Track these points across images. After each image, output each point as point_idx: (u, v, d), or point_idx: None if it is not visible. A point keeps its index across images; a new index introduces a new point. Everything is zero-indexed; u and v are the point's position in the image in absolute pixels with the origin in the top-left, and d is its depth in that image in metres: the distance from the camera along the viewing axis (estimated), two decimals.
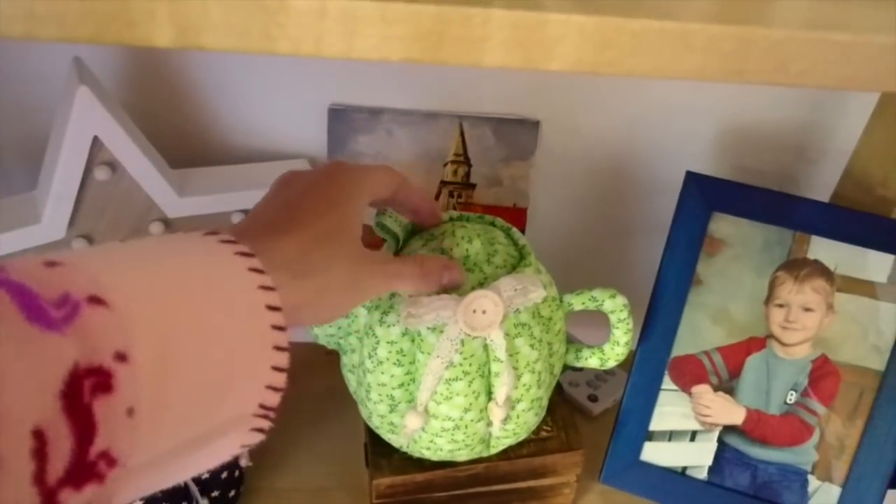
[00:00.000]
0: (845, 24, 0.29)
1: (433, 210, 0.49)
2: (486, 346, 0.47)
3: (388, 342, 0.47)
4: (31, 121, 0.60)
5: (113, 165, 0.51)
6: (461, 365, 0.46)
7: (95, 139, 0.49)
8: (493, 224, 0.53)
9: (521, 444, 0.53)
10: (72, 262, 0.26)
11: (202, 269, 0.30)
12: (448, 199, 0.65)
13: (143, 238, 0.31)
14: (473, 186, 0.65)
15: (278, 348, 0.31)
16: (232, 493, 0.54)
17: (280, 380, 0.31)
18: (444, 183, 0.64)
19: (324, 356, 0.70)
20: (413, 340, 0.47)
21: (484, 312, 0.46)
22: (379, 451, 0.53)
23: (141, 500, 0.46)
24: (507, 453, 0.53)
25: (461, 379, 0.46)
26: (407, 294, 0.46)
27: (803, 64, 0.28)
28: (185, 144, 0.61)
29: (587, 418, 0.66)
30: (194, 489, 0.50)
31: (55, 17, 0.25)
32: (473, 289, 0.46)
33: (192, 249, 0.31)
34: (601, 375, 0.69)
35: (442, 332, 0.46)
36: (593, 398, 0.67)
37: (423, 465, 0.52)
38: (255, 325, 0.30)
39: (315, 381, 0.67)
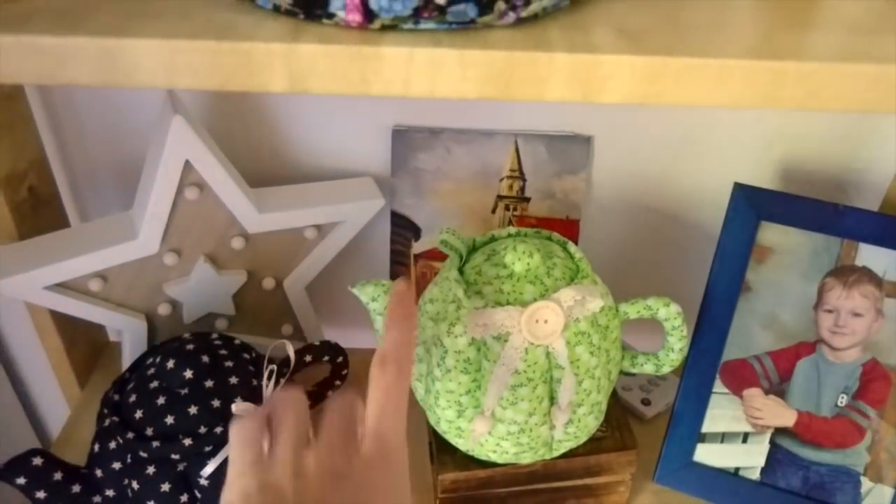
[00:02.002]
0: (869, 55, 0.32)
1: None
2: (548, 354, 0.50)
3: (455, 352, 0.50)
4: (123, 146, 0.65)
5: (201, 186, 0.56)
6: (525, 372, 0.49)
7: (187, 163, 0.54)
8: (549, 239, 0.56)
9: (576, 446, 0.56)
10: None
11: None
12: (504, 212, 0.68)
13: None
14: (528, 200, 0.68)
15: None
16: None
17: None
18: (500, 197, 0.68)
19: None
20: (479, 349, 0.50)
21: (546, 322, 0.49)
22: (444, 449, 0.57)
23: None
24: (565, 453, 0.56)
25: (525, 385, 0.50)
26: (473, 306, 0.50)
27: (832, 91, 0.31)
28: (261, 165, 0.65)
29: (640, 421, 0.69)
30: None
31: (191, 69, 0.29)
32: (535, 300, 0.50)
33: None
34: (653, 380, 0.71)
35: (507, 341, 0.49)
36: (646, 402, 0.69)
37: (484, 462, 0.56)
38: None
39: None
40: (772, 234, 0.57)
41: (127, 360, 0.62)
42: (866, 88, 0.30)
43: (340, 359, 0.61)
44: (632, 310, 0.54)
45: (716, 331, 0.59)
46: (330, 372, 0.63)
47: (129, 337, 0.61)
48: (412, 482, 0.62)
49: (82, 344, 0.70)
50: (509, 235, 0.56)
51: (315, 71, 0.30)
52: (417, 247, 0.69)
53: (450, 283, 0.52)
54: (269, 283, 0.64)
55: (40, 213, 0.61)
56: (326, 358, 0.60)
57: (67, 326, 0.66)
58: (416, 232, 0.69)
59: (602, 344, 0.52)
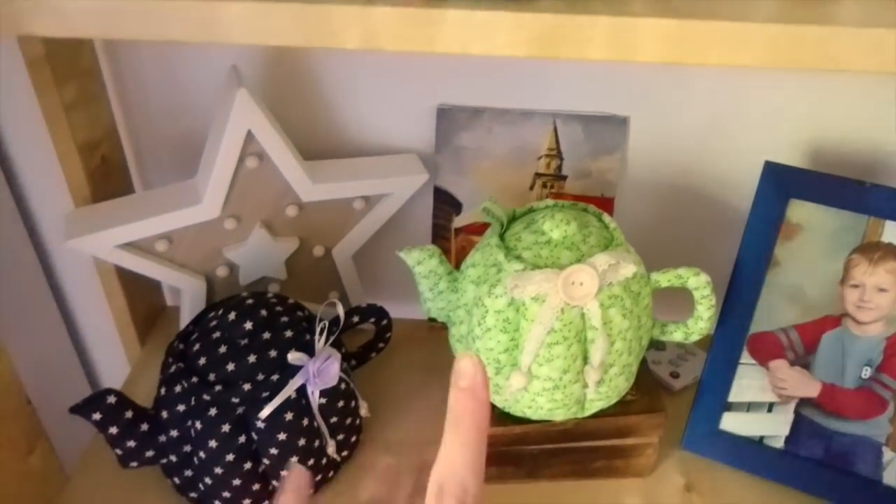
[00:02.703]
0: (886, 20, 0.34)
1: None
2: (582, 315, 0.53)
3: (495, 311, 0.54)
4: (184, 121, 0.70)
5: (260, 156, 0.60)
6: (560, 331, 0.53)
7: (249, 133, 0.58)
8: (585, 210, 0.60)
9: (608, 406, 0.59)
10: None
11: None
12: (541, 189, 0.72)
13: None
14: (564, 178, 0.71)
15: None
16: (353, 438, 0.62)
17: None
18: (537, 175, 0.71)
19: (425, 331, 0.78)
20: (518, 310, 0.54)
21: (581, 284, 0.52)
22: None
23: (282, 433, 0.54)
24: (596, 413, 0.59)
25: (560, 343, 0.53)
26: (513, 269, 0.53)
27: (848, 54, 0.34)
28: (314, 139, 0.70)
29: (669, 393, 0.71)
30: (325, 430, 0.58)
31: (278, 29, 0.33)
32: (572, 264, 0.53)
33: None
34: (682, 355, 0.74)
35: (544, 301, 0.52)
36: (675, 375, 0.72)
37: (519, 419, 0.59)
38: None
39: (418, 351, 0.75)
40: (800, 211, 0.60)
41: (186, 318, 0.67)
42: (881, 51, 0.33)
43: (385, 322, 0.65)
44: (663, 278, 0.57)
45: (744, 304, 0.62)
46: (374, 335, 0.67)
47: (188, 296, 0.66)
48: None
49: (143, 307, 0.74)
50: (547, 206, 0.60)
51: (386, 31, 0.34)
52: (458, 221, 0.73)
53: (491, 249, 0.56)
54: (318, 250, 0.69)
55: (110, 180, 0.66)
56: (372, 320, 0.64)
57: (131, 289, 0.71)
58: (457, 207, 0.72)
59: (634, 309, 0.55)
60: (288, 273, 0.69)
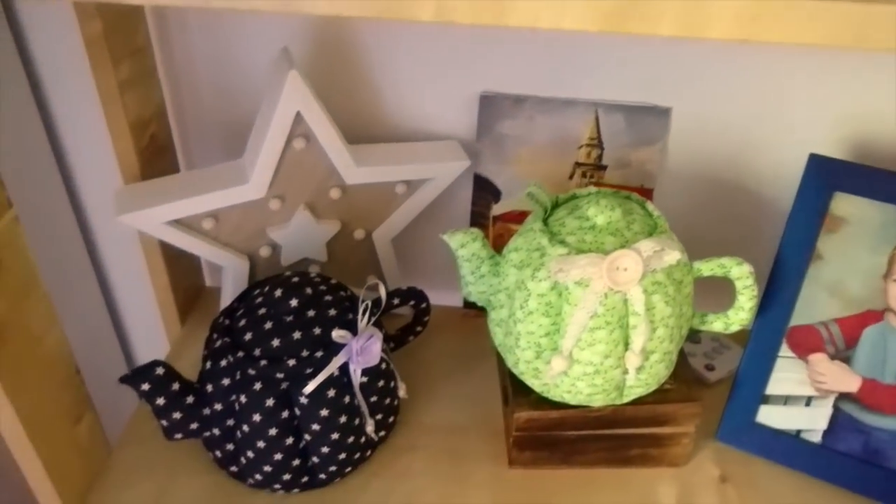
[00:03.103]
0: None
1: None
2: (625, 301, 0.53)
3: (538, 295, 0.54)
4: (230, 104, 0.71)
5: (308, 137, 0.61)
6: (603, 315, 0.53)
7: (298, 114, 0.59)
8: (628, 198, 0.60)
9: (647, 393, 0.59)
10: None
11: None
12: (581, 179, 0.72)
13: None
14: (604, 168, 0.71)
15: None
16: (391, 419, 0.63)
17: None
18: (577, 164, 0.71)
19: (459, 318, 0.79)
20: (560, 294, 0.54)
21: (626, 270, 0.52)
22: (519, 391, 0.61)
23: (324, 410, 0.55)
24: (633, 400, 0.59)
25: (603, 328, 0.53)
26: (557, 253, 0.54)
27: None
28: (358, 124, 0.70)
29: (703, 386, 0.71)
30: (365, 408, 0.59)
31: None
32: (616, 250, 0.53)
33: None
34: (718, 348, 0.74)
35: (587, 286, 0.53)
36: (710, 367, 0.72)
37: (557, 404, 0.60)
38: None
39: (452, 337, 0.76)
40: (844, 204, 0.59)
41: (227, 296, 0.68)
42: None
43: (424, 305, 0.66)
44: (705, 267, 0.57)
45: (784, 296, 0.62)
46: (412, 318, 0.68)
47: (231, 274, 0.67)
48: (481, 428, 0.66)
49: (183, 286, 0.76)
50: (590, 193, 0.60)
51: (460, 3, 0.34)
52: (496, 209, 0.73)
53: (534, 233, 0.56)
54: (359, 233, 0.69)
55: (158, 159, 0.68)
56: (412, 303, 0.65)
57: (173, 268, 0.72)
58: (496, 195, 0.73)
59: (676, 296, 0.55)
60: (328, 255, 0.70)
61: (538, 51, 0.67)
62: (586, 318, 0.53)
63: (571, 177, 0.72)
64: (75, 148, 0.75)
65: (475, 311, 0.79)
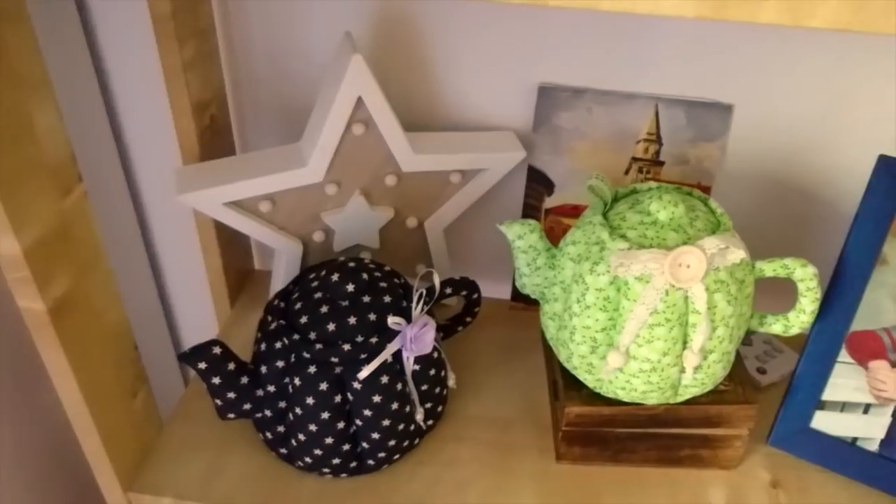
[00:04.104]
0: None
1: None
2: (686, 299, 0.53)
3: (596, 289, 0.54)
4: (285, 86, 0.71)
5: (367, 123, 0.61)
6: (664, 312, 0.52)
7: (359, 99, 0.59)
8: (690, 194, 0.59)
9: (701, 393, 0.58)
10: None
11: None
12: (637, 174, 0.71)
13: None
14: (662, 164, 0.70)
15: None
16: (440, 408, 0.63)
17: None
18: (634, 159, 0.70)
19: (506, 310, 0.78)
20: (619, 289, 0.53)
21: (688, 267, 0.52)
22: (571, 386, 0.60)
23: (377, 396, 0.55)
24: (687, 400, 0.59)
25: (662, 325, 0.52)
26: (617, 247, 0.53)
27: None
28: (414, 112, 0.70)
29: (754, 389, 0.70)
30: (415, 396, 0.58)
31: None
32: (678, 246, 0.52)
33: None
34: (770, 351, 0.73)
35: (648, 282, 0.52)
36: (762, 371, 0.71)
37: (609, 400, 0.59)
38: None
39: (499, 330, 0.75)
40: None
41: (279, 280, 0.68)
42: None
43: (475, 296, 0.65)
44: (768, 267, 0.56)
45: (846, 300, 0.60)
46: (462, 308, 0.67)
47: (284, 258, 0.67)
48: (528, 421, 0.66)
49: (235, 268, 0.76)
50: (651, 188, 0.59)
51: None
52: (549, 202, 0.73)
53: (594, 227, 0.56)
54: (411, 221, 0.69)
55: (216, 140, 0.68)
56: (464, 293, 0.64)
57: (226, 251, 0.73)
58: (549, 187, 0.72)
59: (738, 296, 0.54)
60: (380, 242, 0.70)
61: (599, 43, 0.66)
62: (646, 314, 0.52)
63: (627, 172, 0.71)
64: (133, 126, 0.76)
65: (523, 305, 0.78)
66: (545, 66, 0.68)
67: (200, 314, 0.89)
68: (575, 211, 0.73)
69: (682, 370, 0.55)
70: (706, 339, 0.53)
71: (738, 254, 0.52)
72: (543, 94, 0.68)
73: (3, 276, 0.45)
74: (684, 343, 0.54)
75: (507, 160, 0.67)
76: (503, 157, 0.67)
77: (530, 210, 0.74)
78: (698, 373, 0.55)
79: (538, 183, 0.72)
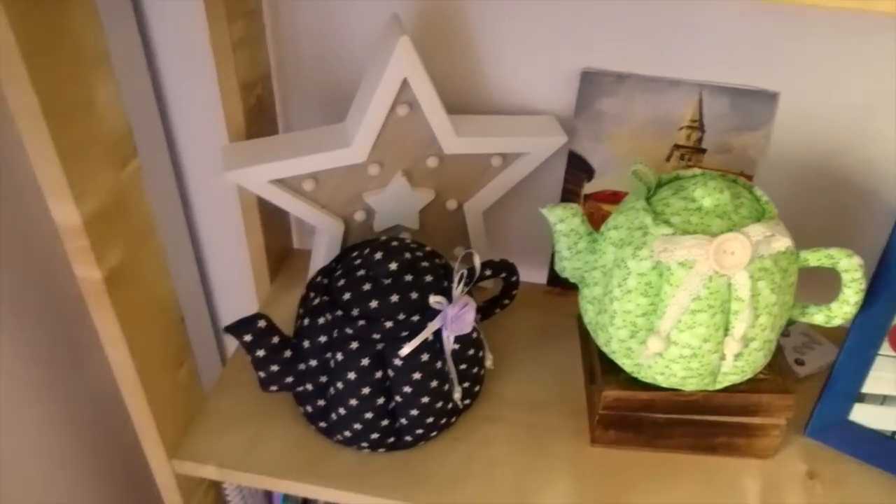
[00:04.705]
0: None
1: None
2: (729, 285, 0.53)
3: (638, 274, 0.54)
4: (330, 67, 0.72)
5: (412, 104, 0.62)
6: (706, 299, 0.52)
7: (405, 81, 0.60)
8: (735, 182, 0.58)
9: (740, 381, 0.58)
10: None
11: None
12: (678, 161, 0.71)
13: None
14: (704, 151, 0.70)
15: None
16: (477, 388, 0.64)
17: None
18: (676, 146, 0.70)
19: (541, 295, 0.79)
20: (661, 274, 0.53)
21: (733, 253, 0.51)
22: (608, 370, 0.60)
23: (417, 373, 0.56)
24: (726, 387, 0.59)
25: (705, 311, 0.52)
26: (661, 232, 0.53)
27: None
28: (456, 95, 0.71)
29: (793, 379, 0.70)
30: (454, 375, 0.59)
31: None
32: (723, 233, 0.52)
33: None
34: (808, 342, 0.72)
35: (691, 268, 0.52)
36: (799, 362, 0.70)
37: (647, 385, 0.59)
38: None
39: (534, 313, 0.76)
40: None
41: (320, 258, 0.70)
42: None
43: (514, 279, 0.66)
44: (813, 257, 0.55)
45: (889, 293, 0.60)
46: (500, 291, 0.68)
47: (326, 237, 0.68)
48: (562, 404, 0.66)
49: (275, 247, 0.78)
50: (695, 175, 0.59)
51: None
52: (588, 187, 0.73)
53: (637, 212, 0.56)
54: (451, 204, 0.70)
55: (261, 120, 0.69)
56: (503, 275, 0.65)
57: (268, 228, 0.74)
58: (589, 173, 0.72)
59: (782, 284, 0.54)
60: (419, 223, 0.70)
61: (643, 28, 0.66)
62: (688, 299, 0.52)
63: (668, 159, 0.71)
64: (179, 104, 0.77)
65: (558, 289, 0.79)
66: (589, 51, 0.68)
67: (238, 291, 0.90)
68: (614, 197, 0.73)
69: (723, 357, 0.55)
70: (748, 326, 0.53)
71: (783, 242, 0.52)
72: (586, 79, 0.68)
73: (47, 245, 0.47)
74: (726, 330, 0.54)
75: (549, 145, 0.67)
76: (544, 141, 0.67)
77: (569, 195, 0.74)
78: (738, 360, 0.55)
79: (578, 168, 0.72)
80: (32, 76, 0.39)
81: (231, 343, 0.98)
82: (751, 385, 0.59)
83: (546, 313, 0.76)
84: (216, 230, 0.87)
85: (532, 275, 0.78)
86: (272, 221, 0.75)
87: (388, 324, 0.56)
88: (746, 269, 0.52)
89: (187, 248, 0.87)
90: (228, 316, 0.95)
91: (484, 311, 0.68)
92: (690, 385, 0.57)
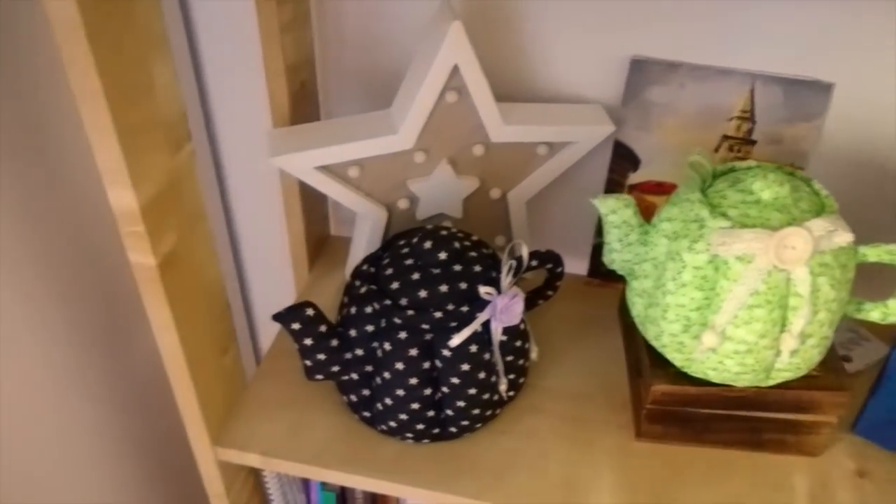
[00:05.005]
0: None
1: None
2: (788, 281, 0.51)
3: (694, 267, 0.53)
4: (374, 53, 0.71)
5: (460, 91, 0.61)
6: (764, 294, 0.51)
7: (455, 67, 0.59)
8: (793, 174, 0.57)
9: (794, 377, 0.57)
10: None
11: None
12: (727, 152, 0.69)
13: None
14: (754, 143, 0.68)
15: None
16: (521, 380, 0.63)
17: None
18: (725, 137, 0.69)
19: (582, 286, 0.78)
20: (718, 268, 0.52)
21: (794, 248, 0.50)
22: (656, 363, 0.60)
23: (465, 364, 0.55)
24: (778, 384, 0.58)
25: (763, 307, 0.51)
26: (718, 225, 0.52)
27: None
28: (500, 81, 0.69)
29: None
30: (501, 366, 0.59)
31: None
32: (783, 226, 0.51)
33: None
34: (855, 339, 0.71)
35: (750, 262, 0.51)
36: (847, 358, 0.69)
37: (696, 380, 0.58)
38: None
39: (575, 304, 0.75)
40: None
41: (361, 245, 0.69)
42: None
43: (559, 270, 0.65)
44: (872, 252, 0.54)
45: None
46: (544, 282, 0.67)
47: (369, 224, 0.68)
48: (605, 396, 0.65)
49: (314, 234, 0.77)
50: (750, 167, 0.58)
51: None
52: (633, 178, 0.72)
53: (692, 204, 0.54)
54: (495, 192, 0.69)
55: (304, 105, 0.68)
56: (549, 266, 0.64)
57: (307, 215, 0.73)
58: (634, 163, 0.71)
59: (841, 280, 0.52)
60: (462, 212, 0.69)
61: (694, 15, 0.64)
62: (746, 294, 0.51)
63: (717, 149, 0.69)
64: (219, 87, 0.76)
65: (598, 280, 0.78)
66: (638, 39, 0.67)
67: (274, 277, 0.90)
68: (660, 188, 0.72)
69: (778, 353, 0.54)
70: (806, 323, 0.52)
71: (845, 237, 0.51)
72: (635, 68, 0.67)
73: (95, 229, 0.46)
74: (782, 326, 0.53)
75: (596, 134, 0.66)
76: (592, 130, 0.66)
77: (613, 185, 0.73)
78: (794, 356, 0.54)
79: (623, 158, 0.71)
80: (97, 58, 0.38)
81: (265, 331, 0.98)
82: (804, 382, 0.58)
83: (586, 305, 0.75)
84: (253, 216, 0.86)
85: (572, 265, 0.77)
86: (312, 207, 0.74)
87: (437, 314, 0.55)
88: (807, 264, 0.51)
89: (223, 235, 0.87)
90: (262, 303, 0.95)
91: (527, 302, 0.67)
92: (743, 381, 0.56)
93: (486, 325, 0.57)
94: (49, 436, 0.66)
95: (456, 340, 0.55)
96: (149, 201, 0.46)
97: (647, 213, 0.72)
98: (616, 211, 0.57)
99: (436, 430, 0.59)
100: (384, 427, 0.60)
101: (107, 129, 0.41)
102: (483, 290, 0.55)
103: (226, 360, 0.60)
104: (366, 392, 0.59)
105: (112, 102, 0.40)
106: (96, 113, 0.40)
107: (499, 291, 0.57)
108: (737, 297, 0.52)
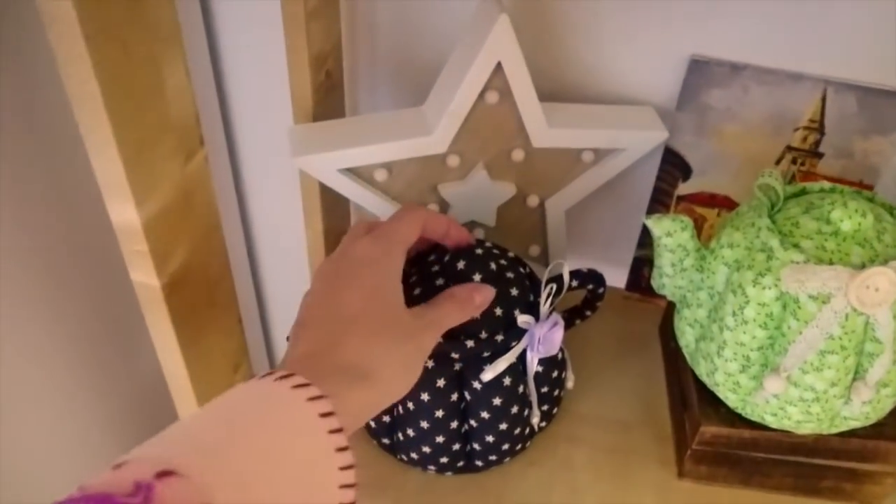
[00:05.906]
0: None
1: (462, 234, 0.52)
2: (867, 325, 0.46)
3: (759, 303, 0.47)
4: (407, 45, 0.65)
5: (502, 91, 0.55)
6: (840, 339, 0.46)
7: (498, 65, 0.53)
8: (872, 200, 0.51)
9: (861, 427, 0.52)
10: (136, 455, 0.30)
11: (274, 423, 0.33)
12: (790, 165, 0.63)
13: (215, 399, 0.35)
14: (820, 156, 0.62)
15: (345, 486, 0.34)
16: (555, 410, 0.58)
17: None
18: (789, 148, 0.62)
19: (620, 300, 0.73)
20: (786, 306, 0.47)
21: (877, 290, 0.45)
22: (705, 400, 0.54)
23: (497, 398, 0.50)
24: (843, 431, 0.52)
25: (837, 353, 0.46)
26: (790, 258, 0.46)
27: None
28: (544, 78, 0.63)
29: None
30: (535, 398, 0.54)
31: None
32: (863, 264, 0.45)
33: (264, 402, 0.34)
34: None
35: (825, 302, 0.45)
36: None
37: (750, 422, 0.53)
38: (326, 471, 0.33)
39: (613, 320, 0.70)
40: None
41: None
42: None
43: (601, 290, 0.59)
44: None
45: None
46: (583, 301, 0.62)
47: None
48: (645, 427, 0.61)
49: (334, 235, 0.72)
50: (822, 189, 0.52)
51: None
52: (683, 188, 0.66)
53: (759, 231, 0.49)
54: (532, 200, 0.63)
55: (329, 98, 0.63)
56: (590, 286, 0.58)
57: (327, 215, 0.68)
58: (685, 172, 0.65)
59: None
60: (496, 220, 0.64)
61: (763, 13, 0.58)
62: (820, 338, 0.46)
63: (778, 161, 0.63)
64: (237, 79, 0.71)
65: (637, 295, 0.72)
66: (699, 37, 0.60)
67: (288, 281, 0.85)
68: (712, 200, 0.66)
69: (847, 401, 0.49)
70: (885, 372, 0.47)
71: None
72: (694, 68, 0.60)
73: (103, 235, 0.41)
74: (856, 373, 0.47)
75: (647, 140, 0.60)
76: (644, 136, 0.60)
77: (661, 195, 0.67)
78: (865, 406, 0.49)
79: (673, 166, 0.65)
80: (97, 59, 0.33)
81: (281, 342, 0.93)
82: (870, 430, 0.52)
83: (625, 320, 0.70)
84: (271, 216, 0.81)
85: (610, 277, 0.72)
86: (333, 207, 0.69)
87: (470, 342, 0.50)
88: (891, 308, 0.45)
89: (239, 238, 0.81)
90: (279, 314, 0.90)
91: (566, 323, 0.62)
92: (805, 429, 0.51)
93: (522, 355, 0.52)
94: (51, 447, 0.62)
95: (489, 374, 0.50)
96: (154, 216, 0.40)
97: (696, 225, 0.66)
98: (672, 234, 0.52)
99: (461, 463, 0.55)
100: (405, 457, 0.55)
101: (106, 139, 0.36)
102: (521, 319, 0.50)
103: (237, 377, 0.56)
104: (386, 418, 0.54)
105: (113, 109, 0.35)
106: (94, 121, 0.35)
107: (537, 319, 0.51)
108: (808, 340, 0.46)
